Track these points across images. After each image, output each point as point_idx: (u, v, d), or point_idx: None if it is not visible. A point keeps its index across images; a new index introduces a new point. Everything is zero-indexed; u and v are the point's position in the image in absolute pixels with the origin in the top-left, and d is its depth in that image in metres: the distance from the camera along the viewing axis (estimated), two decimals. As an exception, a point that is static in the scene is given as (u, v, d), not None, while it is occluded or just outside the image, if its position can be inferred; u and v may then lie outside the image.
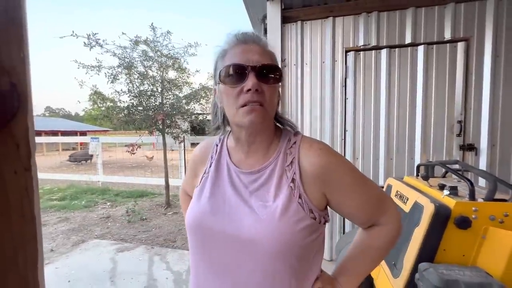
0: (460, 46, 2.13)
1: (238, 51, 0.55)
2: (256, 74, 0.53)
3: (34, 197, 0.26)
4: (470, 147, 2.17)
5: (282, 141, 0.60)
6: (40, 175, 7.40)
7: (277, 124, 0.64)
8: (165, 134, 4.68)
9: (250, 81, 0.52)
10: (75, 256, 2.85)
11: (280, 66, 0.60)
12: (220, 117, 0.63)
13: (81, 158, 12.34)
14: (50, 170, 10.08)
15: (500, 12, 2.05)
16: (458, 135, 2.18)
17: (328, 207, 0.61)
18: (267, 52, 0.57)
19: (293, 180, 0.55)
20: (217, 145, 0.65)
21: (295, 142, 0.58)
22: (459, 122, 2.18)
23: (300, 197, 0.54)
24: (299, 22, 2.43)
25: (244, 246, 0.52)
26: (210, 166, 0.63)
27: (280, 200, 0.53)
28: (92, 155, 11.76)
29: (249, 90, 0.52)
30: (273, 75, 0.55)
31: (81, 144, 16.06)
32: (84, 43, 3.84)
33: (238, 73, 0.54)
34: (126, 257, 2.81)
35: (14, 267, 0.24)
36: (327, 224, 2.17)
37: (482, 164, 2.14)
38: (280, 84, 0.58)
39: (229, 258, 0.54)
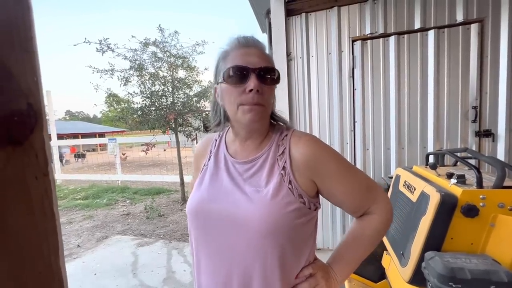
0: (474, 28, 2.04)
1: (240, 53, 0.60)
2: (257, 75, 0.58)
3: (52, 197, 0.30)
4: (486, 133, 2.09)
5: (275, 134, 0.65)
6: (65, 176, 7.83)
7: (272, 120, 0.69)
8: (178, 132, 4.80)
9: (252, 82, 0.57)
10: (100, 251, 3.04)
11: (275, 67, 0.65)
12: (222, 114, 0.66)
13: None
14: (73, 171, 10.63)
15: (517, -12, 1.94)
16: (474, 121, 2.11)
17: (320, 195, 0.65)
18: (265, 55, 0.62)
19: (283, 168, 0.59)
20: (216, 140, 0.71)
21: (286, 135, 0.64)
22: (474, 107, 2.10)
23: (290, 183, 0.58)
24: (303, 14, 2.41)
25: (239, 228, 0.57)
26: (209, 159, 0.69)
27: (271, 185, 0.58)
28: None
29: (250, 90, 0.57)
30: (271, 77, 0.60)
31: (100, 145, 16.75)
32: (97, 48, 3.99)
33: (240, 74, 0.58)
34: (146, 251, 2.96)
35: (40, 255, 0.29)
36: (339, 219, 2.21)
37: (500, 151, 2.06)
38: (277, 85, 0.63)
39: (225, 240, 0.58)
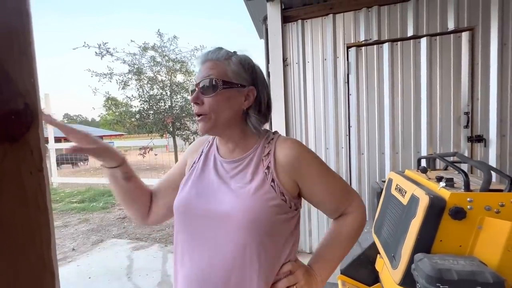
0: (465, 36, 2.10)
1: (197, 71, 0.67)
2: (199, 88, 0.63)
3: (46, 192, 0.32)
4: (478, 139, 2.12)
5: (261, 138, 0.69)
6: (61, 179, 7.78)
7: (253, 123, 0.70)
8: (175, 136, 4.82)
9: (192, 96, 0.63)
10: (95, 254, 3.01)
11: (244, 71, 0.65)
12: None
13: None
14: (70, 174, 10.56)
15: (506, -2, 2.00)
16: (466, 126, 2.15)
17: (302, 198, 0.69)
18: (216, 65, 0.63)
19: (268, 167, 0.63)
20: (209, 142, 0.76)
21: (272, 139, 0.68)
22: (466, 113, 2.14)
23: (273, 181, 0.62)
24: (299, 21, 2.46)
25: (221, 221, 0.60)
26: (199, 158, 0.72)
27: (255, 182, 0.62)
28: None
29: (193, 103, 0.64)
30: (210, 86, 0.62)
31: (98, 148, 16.61)
32: (96, 52, 4.03)
33: (192, 90, 0.65)
34: (141, 254, 2.94)
35: (33, 247, 0.31)
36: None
37: (492, 156, 2.10)
38: (221, 90, 0.61)
39: (207, 233, 0.61)
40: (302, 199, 0.69)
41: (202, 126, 0.64)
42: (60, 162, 11.91)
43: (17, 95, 0.30)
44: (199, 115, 0.64)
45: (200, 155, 0.72)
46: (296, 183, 0.64)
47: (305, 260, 0.69)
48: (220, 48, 0.66)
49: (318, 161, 0.66)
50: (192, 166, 0.72)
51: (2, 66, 0.28)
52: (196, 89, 0.63)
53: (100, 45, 4.01)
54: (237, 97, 0.64)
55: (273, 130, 0.72)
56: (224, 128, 0.65)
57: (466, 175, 1.02)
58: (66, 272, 2.61)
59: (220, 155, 0.70)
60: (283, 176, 0.63)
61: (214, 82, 0.62)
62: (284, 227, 0.63)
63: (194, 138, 5.24)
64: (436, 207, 1.00)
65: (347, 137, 2.43)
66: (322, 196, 0.66)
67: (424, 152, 2.23)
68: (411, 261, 1.03)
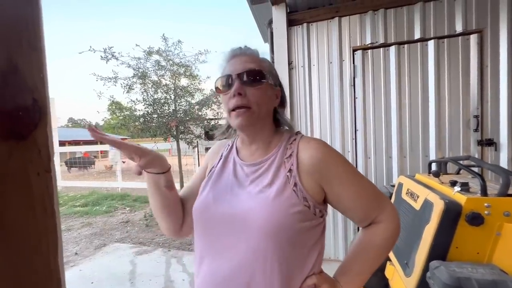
0: (473, 38, 2.07)
1: (229, 64, 0.64)
2: (240, 80, 0.60)
3: (53, 194, 0.30)
4: (489, 142, 2.08)
5: (284, 138, 0.65)
6: (65, 183, 7.80)
7: (279, 123, 0.69)
8: (179, 140, 4.81)
9: (234, 87, 0.60)
10: (98, 259, 2.99)
11: (274, 70, 0.65)
12: (228, 122, 0.69)
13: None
14: (74, 178, 10.60)
15: (515, 0, 1.97)
16: (476, 130, 2.10)
17: (328, 204, 0.63)
18: (254, 59, 0.63)
19: (290, 170, 0.59)
20: (229, 145, 0.73)
21: (295, 139, 0.63)
22: (476, 116, 2.10)
23: (295, 185, 0.57)
24: (305, 24, 2.45)
25: (240, 226, 0.56)
26: (218, 162, 0.70)
27: (276, 186, 0.57)
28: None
29: (234, 95, 0.59)
30: (255, 78, 0.60)
31: (101, 152, 16.78)
32: (101, 56, 4.06)
33: (226, 82, 0.62)
34: (144, 259, 2.91)
35: (39, 252, 0.29)
36: (341, 227, 2.14)
37: (503, 159, 2.04)
38: (265, 83, 0.61)
39: (226, 239, 0.58)
40: (328, 205, 0.64)
41: (244, 119, 0.59)
42: (69, 165, 12.11)
43: (25, 90, 0.28)
44: (239, 108, 0.59)
45: (220, 158, 0.70)
46: (321, 187, 0.59)
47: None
48: (249, 47, 0.65)
49: (346, 163, 0.60)
50: (211, 170, 0.70)
51: (11, 59, 0.26)
52: (237, 79, 0.59)
53: (106, 49, 4.04)
54: (272, 93, 0.64)
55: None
56: (261, 125, 0.63)
57: (482, 179, 0.98)
58: (68, 277, 2.59)
59: (240, 158, 0.67)
60: (307, 179, 0.58)
61: (259, 74, 0.60)
62: (308, 235, 0.58)
63: (197, 142, 5.23)
64: (452, 213, 0.97)
65: (353, 140, 2.39)
66: (350, 202, 0.60)
67: (432, 156, 2.19)
68: (426, 268, 0.99)
